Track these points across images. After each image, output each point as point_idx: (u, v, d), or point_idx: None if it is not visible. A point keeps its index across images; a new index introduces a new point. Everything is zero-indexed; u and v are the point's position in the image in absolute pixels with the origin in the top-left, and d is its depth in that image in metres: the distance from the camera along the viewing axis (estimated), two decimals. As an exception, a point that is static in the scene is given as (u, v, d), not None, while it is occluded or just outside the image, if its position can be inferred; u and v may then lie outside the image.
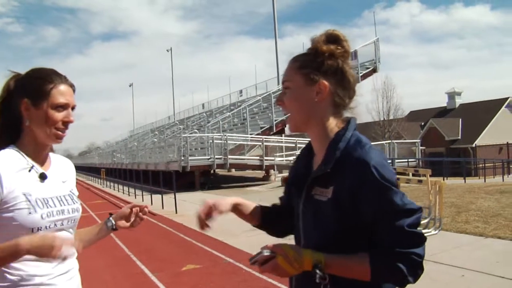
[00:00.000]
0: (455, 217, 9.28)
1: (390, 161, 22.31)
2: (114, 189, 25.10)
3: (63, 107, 1.73)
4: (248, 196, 17.02)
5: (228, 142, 22.46)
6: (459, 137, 43.18)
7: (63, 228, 1.75)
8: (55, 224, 1.71)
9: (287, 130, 31.54)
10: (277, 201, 1.85)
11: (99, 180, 35.17)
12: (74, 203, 1.82)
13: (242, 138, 24.76)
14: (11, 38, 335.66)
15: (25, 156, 1.73)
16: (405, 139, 35.71)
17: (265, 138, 24.31)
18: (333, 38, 1.50)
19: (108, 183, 29.52)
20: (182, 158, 21.23)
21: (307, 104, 1.50)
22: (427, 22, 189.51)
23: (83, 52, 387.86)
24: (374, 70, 32.33)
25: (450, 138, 43.06)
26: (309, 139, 1.60)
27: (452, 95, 49.64)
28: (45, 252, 1.50)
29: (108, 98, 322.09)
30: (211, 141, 22.18)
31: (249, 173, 29.78)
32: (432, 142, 41.73)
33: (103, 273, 6.80)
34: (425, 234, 1.38)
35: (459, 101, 48.96)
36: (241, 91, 44.03)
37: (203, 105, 51.45)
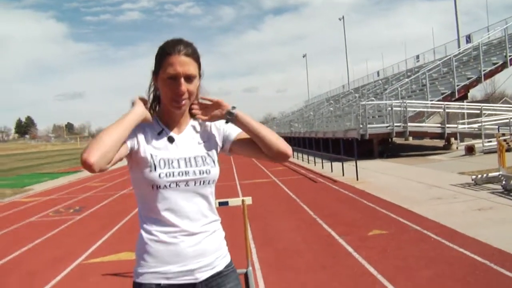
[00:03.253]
0: None
1: None
2: (293, 157, 25.95)
3: (173, 77, 1.80)
4: (430, 164, 16.46)
5: (408, 109, 21.73)
6: None
7: (190, 190, 1.85)
8: (177, 184, 1.82)
9: (470, 95, 29.55)
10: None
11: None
12: (204, 165, 1.88)
13: (422, 104, 23.69)
14: (192, 20, 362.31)
15: (159, 121, 1.92)
16: None
17: (446, 104, 23.04)
18: None
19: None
20: (361, 126, 21.10)
21: None
22: None
23: (256, 27, 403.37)
24: None
25: None
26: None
27: None
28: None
29: (282, 70, 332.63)
30: (389, 108, 21.60)
31: (427, 141, 28.60)
32: None
33: (294, 234, 7.21)
34: None
35: None
36: (417, 56, 42.23)
37: (378, 72, 50.36)
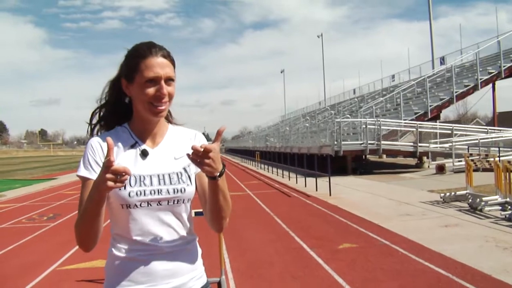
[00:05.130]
0: None
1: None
2: (268, 171, 26.15)
3: (153, 80, 1.66)
4: (402, 182, 16.81)
5: (382, 127, 22.18)
6: None
7: (163, 209, 1.70)
8: (148, 204, 1.67)
9: (442, 115, 30.22)
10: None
11: (253, 163, 36.90)
12: (179, 183, 1.72)
13: (396, 123, 24.22)
14: (172, 31, 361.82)
15: (131, 132, 1.77)
16: None
17: (419, 124, 23.57)
18: None
19: (262, 165, 30.94)
20: (335, 142, 21.45)
21: None
22: None
23: (236, 41, 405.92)
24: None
25: None
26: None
27: None
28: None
29: (259, 84, 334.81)
30: (364, 126, 22.01)
31: (400, 160, 29.12)
32: None
33: (267, 246, 7.36)
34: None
35: None
36: (393, 76, 43.08)
37: (354, 90, 51.09)
